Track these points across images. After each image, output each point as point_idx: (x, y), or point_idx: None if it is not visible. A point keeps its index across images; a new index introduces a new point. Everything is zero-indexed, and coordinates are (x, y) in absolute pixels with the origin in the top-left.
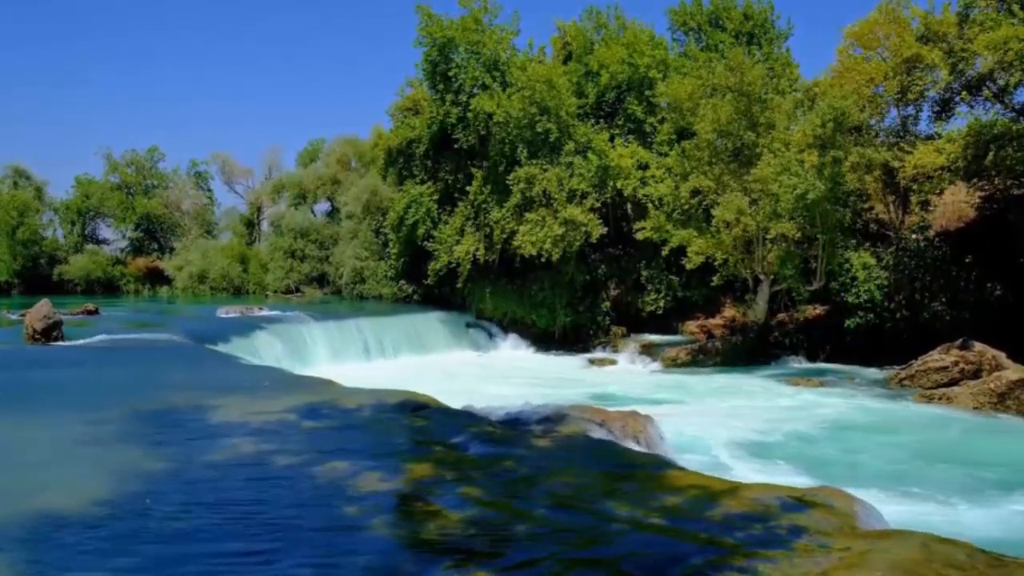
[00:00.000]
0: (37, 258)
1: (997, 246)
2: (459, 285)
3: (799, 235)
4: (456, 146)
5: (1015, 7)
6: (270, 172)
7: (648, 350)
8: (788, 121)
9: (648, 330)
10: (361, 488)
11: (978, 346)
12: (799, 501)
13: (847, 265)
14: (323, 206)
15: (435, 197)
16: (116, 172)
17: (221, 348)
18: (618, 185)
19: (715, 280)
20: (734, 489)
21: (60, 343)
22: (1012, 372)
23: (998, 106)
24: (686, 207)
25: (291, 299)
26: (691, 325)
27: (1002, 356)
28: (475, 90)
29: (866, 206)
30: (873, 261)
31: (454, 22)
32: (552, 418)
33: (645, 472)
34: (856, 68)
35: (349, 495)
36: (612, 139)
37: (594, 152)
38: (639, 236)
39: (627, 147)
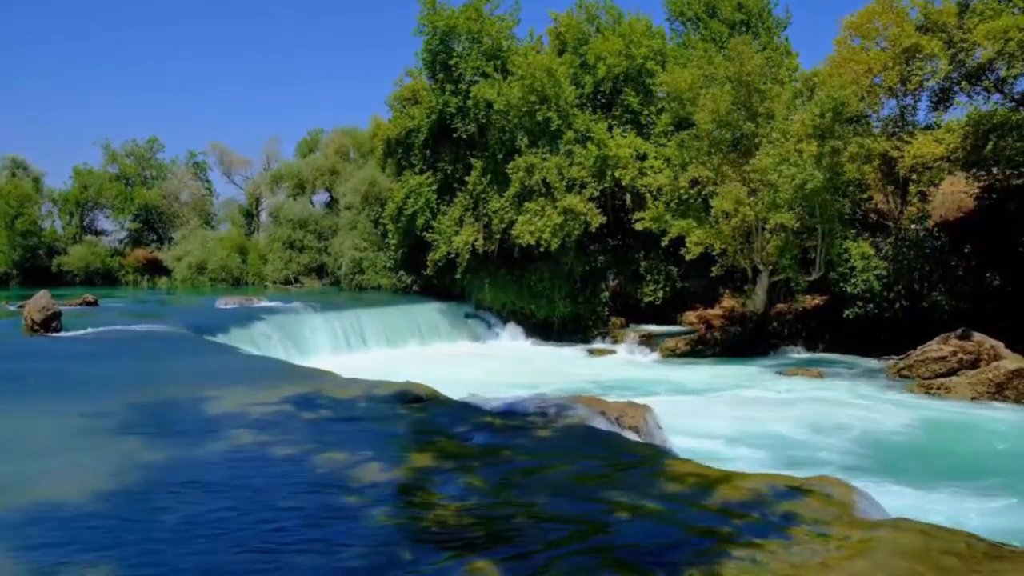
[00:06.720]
0: (36, 249)
1: (996, 236)
2: (458, 276)
3: (798, 225)
4: (455, 136)
5: None
6: (269, 163)
7: (647, 340)
8: (787, 111)
9: (647, 321)
10: (360, 478)
11: (976, 336)
12: (797, 490)
13: (846, 255)
14: (322, 197)
15: (434, 187)
16: (115, 163)
17: (220, 339)
18: (617, 175)
19: (714, 271)
20: (732, 478)
21: (59, 334)
22: (1010, 362)
23: (997, 96)
24: (685, 197)
25: (290, 290)
26: (690, 315)
27: (1000, 346)
28: (475, 79)
29: (865, 196)
30: (872, 251)
31: (456, 11)
32: (551, 408)
33: (644, 462)
34: (855, 58)
35: (348, 485)
36: (610, 129)
37: (593, 141)
38: (638, 227)
39: (625, 137)
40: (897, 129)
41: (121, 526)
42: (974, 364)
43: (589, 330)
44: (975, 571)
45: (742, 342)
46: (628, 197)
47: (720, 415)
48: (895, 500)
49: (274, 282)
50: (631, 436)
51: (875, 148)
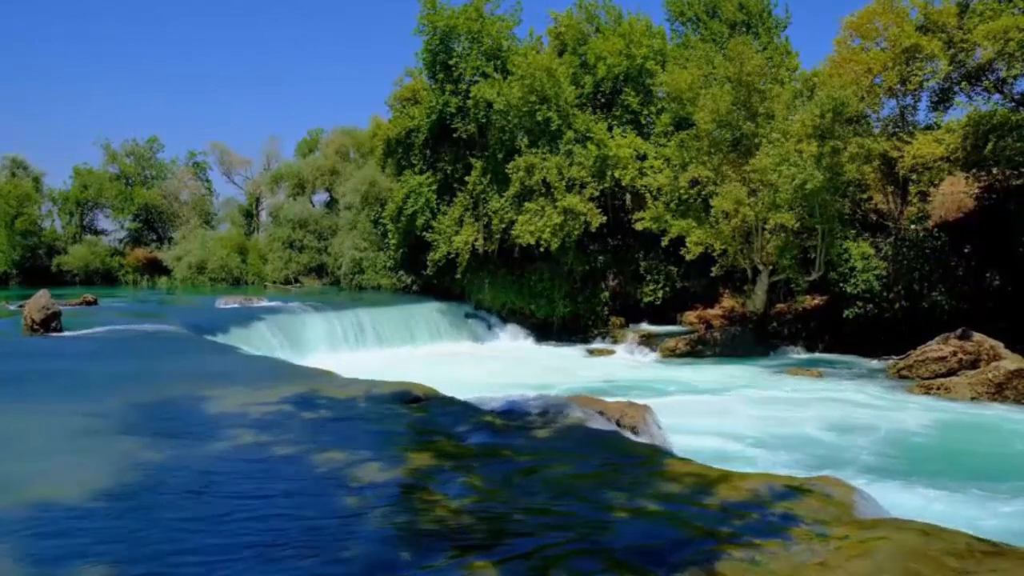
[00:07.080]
0: (36, 249)
1: (996, 236)
2: (458, 275)
3: (798, 225)
4: (455, 136)
5: None
6: (269, 162)
7: (647, 340)
8: (787, 111)
9: (647, 320)
10: (360, 478)
11: (976, 336)
12: (797, 490)
13: (846, 255)
14: (322, 197)
15: (434, 187)
16: (115, 162)
17: (220, 339)
18: (616, 175)
19: (714, 271)
20: (731, 478)
21: (59, 334)
22: (1010, 362)
23: (997, 96)
24: (685, 197)
25: (290, 290)
26: (690, 315)
27: (1000, 346)
28: (475, 79)
29: (865, 196)
30: (872, 251)
31: (456, 11)
32: (550, 408)
33: (643, 462)
34: (855, 59)
35: (348, 485)
36: (610, 129)
37: (593, 141)
38: (638, 227)
39: (625, 137)
40: (897, 129)
41: (121, 526)
42: (974, 364)
43: (589, 330)
44: (975, 571)
45: (742, 342)
46: (628, 197)
47: (720, 415)
48: (894, 500)
49: (274, 282)
50: (630, 436)
51: (875, 148)
